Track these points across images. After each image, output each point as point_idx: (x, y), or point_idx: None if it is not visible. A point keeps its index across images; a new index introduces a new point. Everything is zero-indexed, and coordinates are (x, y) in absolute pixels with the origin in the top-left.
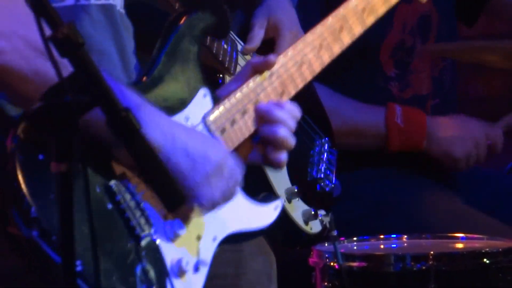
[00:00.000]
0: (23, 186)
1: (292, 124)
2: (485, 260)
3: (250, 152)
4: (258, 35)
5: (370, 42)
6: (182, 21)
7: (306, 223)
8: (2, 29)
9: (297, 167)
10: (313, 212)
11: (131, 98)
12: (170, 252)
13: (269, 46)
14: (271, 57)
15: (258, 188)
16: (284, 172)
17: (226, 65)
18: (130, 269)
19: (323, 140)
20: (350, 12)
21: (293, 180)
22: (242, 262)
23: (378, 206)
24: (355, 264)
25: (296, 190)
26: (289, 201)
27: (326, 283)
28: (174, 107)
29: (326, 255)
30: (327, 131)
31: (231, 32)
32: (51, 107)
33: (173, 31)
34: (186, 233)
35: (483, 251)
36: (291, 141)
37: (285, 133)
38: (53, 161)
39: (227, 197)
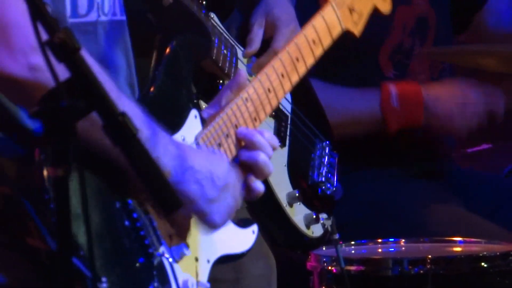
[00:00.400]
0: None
1: (270, 153)
2: (482, 264)
3: None
4: (257, 36)
5: (370, 44)
6: (173, 43)
7: (308, 227)
8: (35, 45)
9: (298, 171)
10: (314, 216)
11: (149, 122)
12: (179, 273)
13: (269, 45)
14: (241, 71)
15: None
16: (285, 176)
17: (226, 71)
18: None
19: (324, 144)
20: (304, 43)
21: (294, 184)
22: (242, 266)
23: (375, 208)
24: (353, 268)
25: (297, 194)
26: (291, 205)
27: (324, 287)
28: (172, 126)
29: (324, 259)
30: (328, 134)
31: (230, 36)
32: (47, 112)
33: (168, 48)
34: (190, 255)
35: (481, 255)
36: (270, 168)
37: (265, 159)
38: (49, 165)
39: (233, 212)
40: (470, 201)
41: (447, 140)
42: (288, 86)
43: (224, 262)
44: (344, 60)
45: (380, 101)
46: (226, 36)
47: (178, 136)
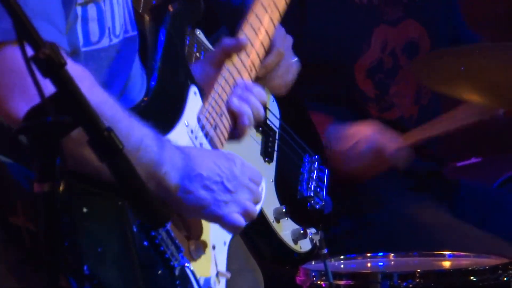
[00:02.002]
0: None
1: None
2: (472, 277)
3: None
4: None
5: (343, 59)
6: (166, 20)
7: (296, 242)
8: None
9: (287, 186)
10: (302, 231)
11: (157, 138)
12: (199, 273)
13: None
14: (243, 39)
15: None
16: (272, 191)
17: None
18: None
19: (313, 158)
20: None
21: (281, 200)
22: (230, 280)
23: (364, 222)
24: (342, 282)
25: (284, 210)
26: (278, 221)
27: None
28: (175, 115)
29: (313, 274)
30: (317, 148)
31: (205, 41)
32: (32, 128)
33: (161, 33)
34: (207, 250)
35: (470, 268)
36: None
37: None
38: (35, 181)
39: (252, 211)
40: (460, 212)
41: (437, 152)
42: (276, 16)
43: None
44: (322, 76)
45: None
46: (200, 41)
47: (181, 124)
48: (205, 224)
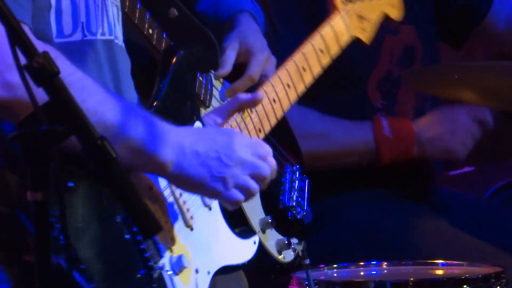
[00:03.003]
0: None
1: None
2: (465, 286)
3: None
4: (230, 58)
5: (358, 73)
6: (179, 53)
7: (280, 252)
8: (11, 63)
9: (270, 196)
10: (286, 242)
11: (145, 115)
12: (179, 286)
13: (240, 70)
14: (259, 94)
15: (233, 219)
16: (258, 202)
17: (202, 98)
18: None
19: (294, 168)
20: (311, 52)
21: (267, 210)
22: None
23: (360, 231)
24: None
25: (270, 220)
26: (263, 231)
27: None
28: None
29: (306, 283)
30: (298, 158)
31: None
32: (26, 136)
33: (173, 61)
34: (190, 267)
35: (463, 277)
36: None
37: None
38: (28, 190)
39: (252, 187)
40: (453, 221)
41: (431, 161)
42: (294, 96)
43: (225, 273)
44: (334, 89)
45: (373, 131)
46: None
47: None
48: (190, 245)
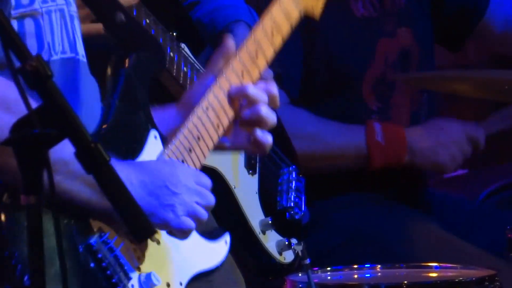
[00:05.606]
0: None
1: (266, 100)
2: None
3: (235, 138)
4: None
5: (353, 75)
6: (126, 64)
7: (280, 253)
8: None
9: (269, 197)
10: (286, 242)
11: None
12: None
13: None
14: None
15: (232, 222)
16: (257, 203)
17: (175, 74)
18: None
19: (290, 168)
20: (262, 35)
21: (266, 211)
22: None
23: (353, 235)
24: None
25: (270, 221)
26: (263, 232)
27: None
28: (132, 153)
29: (300, 285)
30: (293, 159)
31: (190, 55)
32: (19, 140)
33: (121, 73)
34: (161, 283)
35: (457, 280)
36: (273, 117)
37: (266, 110)
38: (21, 193)
39: (200, 213)
40: (446, 224)
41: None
42: (278, 41)
43: (198, 279)
44: (330, 91)
45: (366, 136)
46: (186, 55)
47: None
48: (158, 260)
